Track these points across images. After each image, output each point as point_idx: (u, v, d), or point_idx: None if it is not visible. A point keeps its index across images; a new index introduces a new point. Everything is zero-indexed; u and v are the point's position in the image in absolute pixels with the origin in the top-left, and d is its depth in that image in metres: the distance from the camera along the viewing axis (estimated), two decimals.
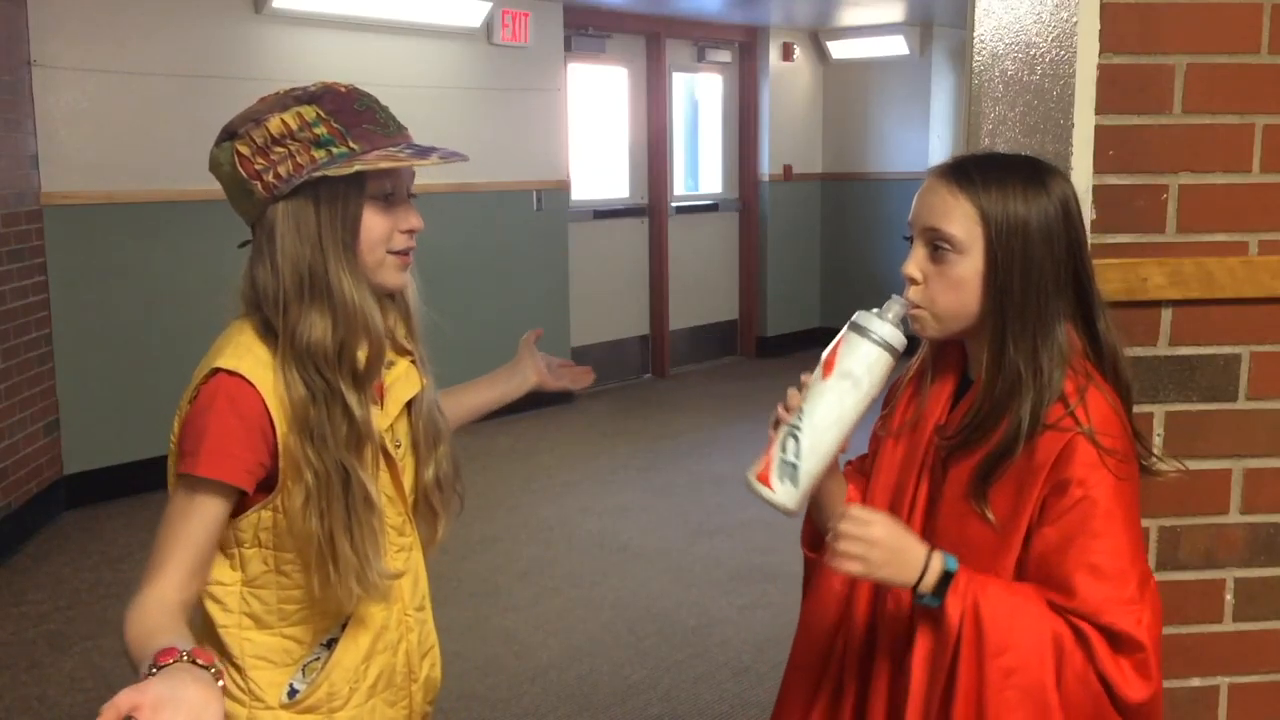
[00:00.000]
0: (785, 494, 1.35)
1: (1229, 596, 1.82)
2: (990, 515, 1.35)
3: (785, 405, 1.38)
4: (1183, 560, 1.80)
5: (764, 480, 1.35)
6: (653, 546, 4.69)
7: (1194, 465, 1.77)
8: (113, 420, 5.22)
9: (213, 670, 1.16)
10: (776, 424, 1.39)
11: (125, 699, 1.05)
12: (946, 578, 1.32)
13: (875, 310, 1.37)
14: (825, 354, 1.37)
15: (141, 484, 5.16)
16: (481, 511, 5.00)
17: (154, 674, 1.12)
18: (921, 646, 1.36)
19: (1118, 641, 1.30)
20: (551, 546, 4.70)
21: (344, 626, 1.46)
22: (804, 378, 1.40)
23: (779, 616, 3.94)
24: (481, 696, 3.40)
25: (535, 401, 7.13)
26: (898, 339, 1.36)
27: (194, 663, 1.15)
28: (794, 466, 1.35)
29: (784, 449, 1.35)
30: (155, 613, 1.31)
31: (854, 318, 1.37)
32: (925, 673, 1.36)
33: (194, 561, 1.36)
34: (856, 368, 1.34)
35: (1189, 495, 1.77)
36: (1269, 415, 1.79)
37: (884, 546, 1.32)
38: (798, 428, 1.35)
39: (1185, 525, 1.79)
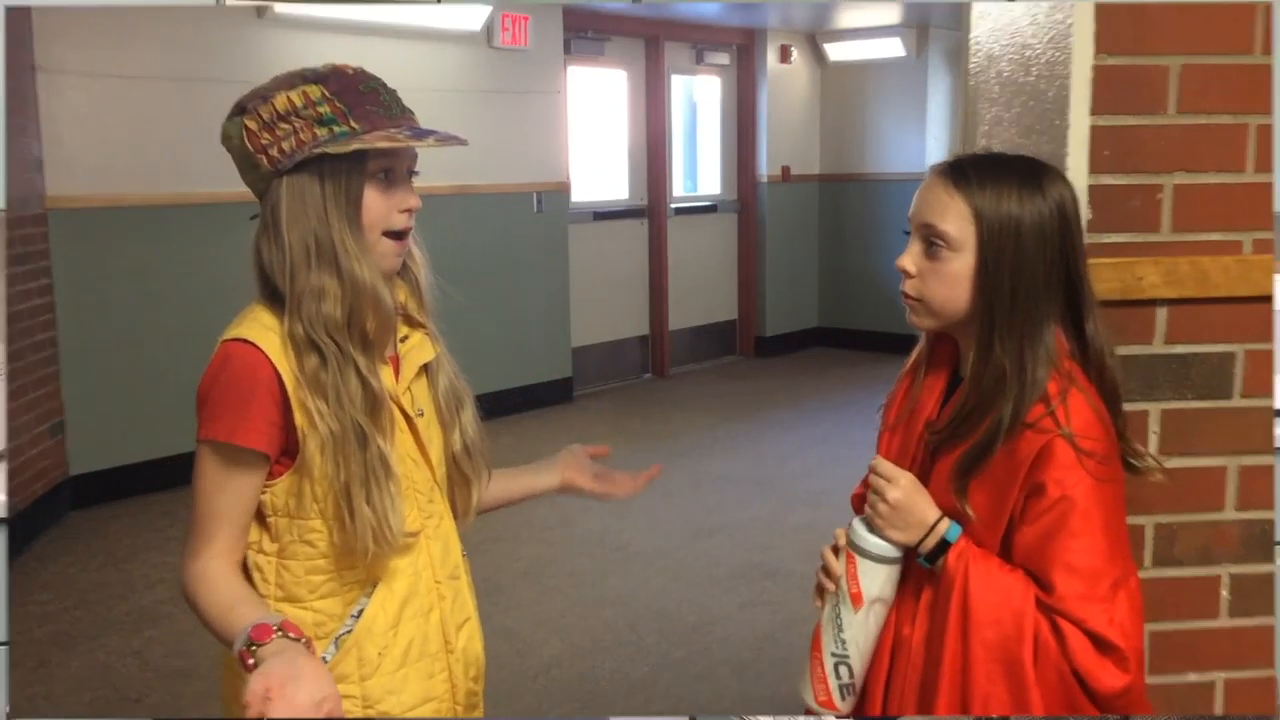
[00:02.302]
0: (848, 704, 1.48)
1: (1225, 593, 1.83)
2: (969, 510, 1.38)
3: (822, 627, 1.48)
4: (1179, 557, 1.81)
5: (829, 705, 1.48)
6: (653, 545, 4.71)
7: (1190, 463, 1.78)
8: (118, 421, 5.23)
9: (304, 640, 1.28)
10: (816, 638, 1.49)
11: (258, 684, 1.17)
12: (944, 545, 1.38)
13: (867, 528, 1.44)
14: (845, 584, 1.44)
15: (147, 485, 5.17)
16: None
17: (254, 650, 1.25)
18: (921, 615, 1.43)
19: (1092, 639, 1.32)
20: (552, 546, 4.72)
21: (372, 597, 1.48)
22: (826, 583, 1.48)
23: (778, 614, 3.95)
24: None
25: (535, 401, 7.15)
26: (899, 549, 1.44)
27: (287, 637, 1.26)
28: (851, 685, 1.47)
29: (838, 675, 1.47)
30: (223, 583, 1.39)
31: (857, 541, 1.44)
32: (923, 638, 1.42)
33: (237, 526, 1.42)
34: (885, 591, 1.44)
35: (1185, 492, 1.79)
36: (1263, 413, 1.81)
37: (891, 504, 1.41)
38: (846, 656, 1.46)
39: (1181, 522, 1.80)
